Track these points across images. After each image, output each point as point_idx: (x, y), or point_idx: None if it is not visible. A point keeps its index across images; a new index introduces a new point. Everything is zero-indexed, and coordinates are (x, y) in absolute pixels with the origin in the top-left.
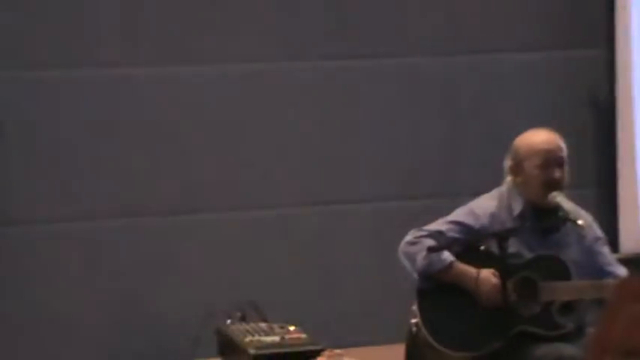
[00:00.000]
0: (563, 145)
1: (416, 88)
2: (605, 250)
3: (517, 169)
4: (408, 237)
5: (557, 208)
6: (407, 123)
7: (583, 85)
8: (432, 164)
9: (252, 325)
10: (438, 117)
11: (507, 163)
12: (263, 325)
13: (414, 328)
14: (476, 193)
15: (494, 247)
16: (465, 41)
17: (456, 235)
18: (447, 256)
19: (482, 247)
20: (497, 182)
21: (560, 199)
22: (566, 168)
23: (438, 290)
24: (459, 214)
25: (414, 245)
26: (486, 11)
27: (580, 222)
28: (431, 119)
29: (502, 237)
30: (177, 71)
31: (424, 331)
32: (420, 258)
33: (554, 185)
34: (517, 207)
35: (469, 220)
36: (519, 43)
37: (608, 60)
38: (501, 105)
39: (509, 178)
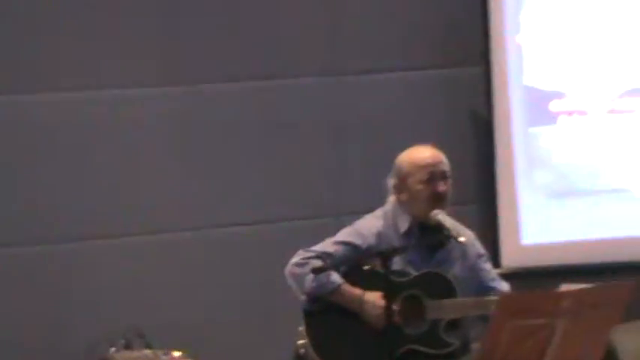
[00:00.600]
0: (445, 159)
1: (299, 109)
2: (488, 266)
3: (401, 186)
4: (295, 258)
5: (440, 226)
6: (291, 144)
7: (463, 103)
8: (317, 184)
9: (137, 352)
10: (322, 137)
11: (391, 181)
12: (147, 352)
13: (302, 350)
14: (361, 213)
15: (379, 267)
16: (346, 62)
17: (344, 256)
18: (335, 278)
19: (366, 267)
20: (382, 201)
21: (441, 216)
22: (450, 182)
23: (325, 311)
24: (346, 234)
25: (302, 267)
26: (367, 32)
27: (462, 239)
28: (315, 139)
29: (386, 256)
30: (57, 97)
31: (312, 353)
32: (309, 280)
33: (440, 199)
34: (403, 225)
35: (356, 240)
36: (400, 63)
37: (486, 78)
38: (384, 124)
39: (392, 197)
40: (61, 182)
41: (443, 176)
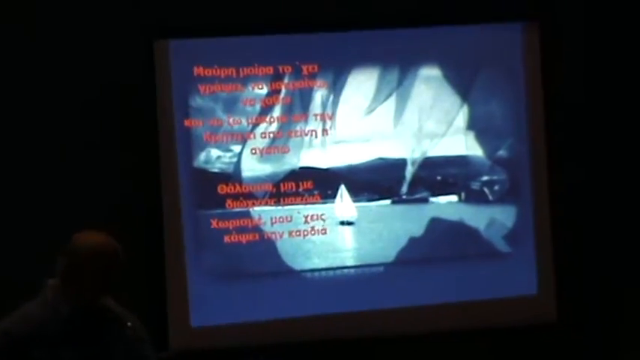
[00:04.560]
0: (116, 247)
1: None
2: (149, 351)
3: (69, 270)
4: None
5: (104, 309)
6: None
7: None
8: None
9: None
10: None
11: (60, 263)
12: None
13: None
14: None
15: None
16: None
17: (7, 348)
18: None
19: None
20: None
21: (105, 300)
22: (118, 272)
23: None
24: (8, 323)
25: None
26: None
27: (129, 324)
28: None
29: (53, 345)
30: None
31: None
32: None
33: (102, 291)
34: (65, 310)
35: (19, 330)
36: None
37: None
38: None
39: (53, 281)
40: None
41: (109, 269)
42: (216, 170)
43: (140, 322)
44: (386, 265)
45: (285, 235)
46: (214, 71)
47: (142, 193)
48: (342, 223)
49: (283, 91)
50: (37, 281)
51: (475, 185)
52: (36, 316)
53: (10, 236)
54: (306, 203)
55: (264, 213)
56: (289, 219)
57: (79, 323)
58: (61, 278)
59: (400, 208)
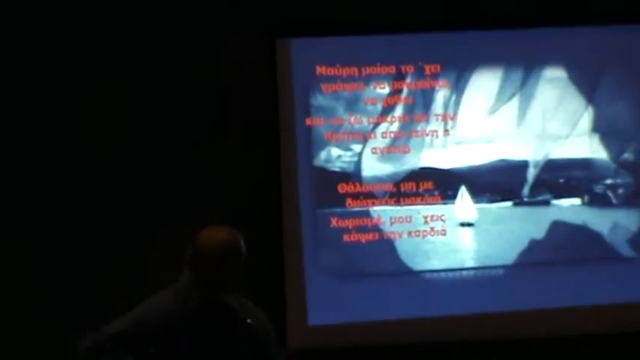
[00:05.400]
0: (240, 245)
1: None
2: (273, 349)
3: (195, 263)
4: (87, 341)
5: (229, 307)
6: None
7: (252, 183)
8: None
9: None
10: None
11: (188, 255)
12: None
13: None
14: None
15: (167, 348)
16: None
17: (134, 336)
18: None
19: (152, 350)
20: None
21: (228, 298)
22: (242, 270)
23: None
24: (137, 313)
25: (94, 351)
26: None
27: (249, 321)
28: None
29: (173, 336)
30: None
31: None
32: None
33: (225, 287)
34: (194, 304)
35: (147, 319)
36: None
37: (274, 160)
38: None
39: (187, 271)
40: None
41: (232, 267)
42: (336, 169)
43: (267, 321)
44: (506, 268)
45: (405, 236)
46: (336, 70)
47: (262, 192)
48: (462, 224)
49: (405, 90)
50: (168, 276)
51: (599, 189)
52: (167, 306)
53: (134, 232)
54: (426, 204)
55: (383, 213)
56: (409, 219)
57: (206, 317)
58: (188, 266)
59: (521, 210)
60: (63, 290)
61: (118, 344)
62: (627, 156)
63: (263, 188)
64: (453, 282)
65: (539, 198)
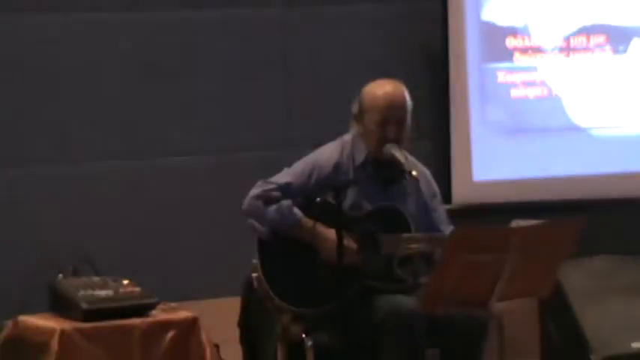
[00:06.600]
0: (406, 99)
1: (249, 40)
2: (440, 208)
3: (359, 118)
4: (255, 190)
5: (395, 160)
6: (240, 74)
7: (418, 37)
8: (269, 115)
9: (85, 279)
10: (273, 68)
11: (354, 109)
12: (96, 279)
13: (255, 283)
14: (314, 145)
15: (332, 199)
16: None
17: (302, 186)
18: (297, 211)
19: (318, 200)
20: (333, 133)
21: (396, 151)
22: (407, 124)
23: (280, 244)
24: (304, 164)
25: (262, 199)
26: None
27: (414, 173)
28: (266, 70)
29: (339, 188)
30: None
31: (265, 286)
32: (271, 212)
33: (390, 140)
34: (359, 157)
35: (314, 171)
36: None
37: (442, 13)
38: (336, 56)
39: (354, 126)
40: (21, 107)
41: (398, 120)
42: (504, 24)
43: (432, 177)
44: None
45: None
46: None
47: (429, 46)
48: None
49: None
50: None
51: None
52: (333, 158)
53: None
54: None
55: (552, 68)
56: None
57: (370, 171)
58: (354, 121)
59: None
60: None
61: (285, 194)
62: None
63: (430, 42)
64: (622, 139)
65: None
